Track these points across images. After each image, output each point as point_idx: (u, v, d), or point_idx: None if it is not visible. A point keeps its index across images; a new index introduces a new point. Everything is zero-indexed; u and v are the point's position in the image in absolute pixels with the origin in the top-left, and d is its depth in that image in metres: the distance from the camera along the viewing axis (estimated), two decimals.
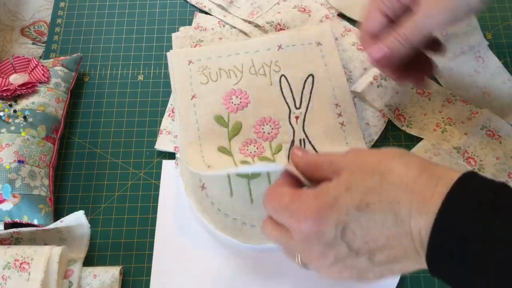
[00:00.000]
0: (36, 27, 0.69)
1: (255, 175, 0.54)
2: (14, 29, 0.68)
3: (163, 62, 0.64)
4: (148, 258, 0.53)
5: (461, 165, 0.54)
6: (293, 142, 0.55)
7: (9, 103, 0.56)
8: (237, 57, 0.60)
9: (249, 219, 0.52)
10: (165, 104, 0.61)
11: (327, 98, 0.57)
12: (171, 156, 0.58)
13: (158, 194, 0.56)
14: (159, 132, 0.59)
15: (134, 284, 0.52)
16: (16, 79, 0.57)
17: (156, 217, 0.55)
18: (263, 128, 0.55)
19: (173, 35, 0.65)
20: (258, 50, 0.60)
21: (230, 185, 0.54)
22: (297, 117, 0.56)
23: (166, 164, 0.57)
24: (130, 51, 0.65)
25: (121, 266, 0.52)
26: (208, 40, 0.63)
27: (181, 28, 0.65)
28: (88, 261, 0.52)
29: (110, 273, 0.50)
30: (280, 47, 0.60)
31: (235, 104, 0.57)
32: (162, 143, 0.58)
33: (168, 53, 0.61)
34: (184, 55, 0.60)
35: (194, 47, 0.63)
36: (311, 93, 0.57)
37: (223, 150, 0.54)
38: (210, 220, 0.52)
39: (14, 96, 0.57)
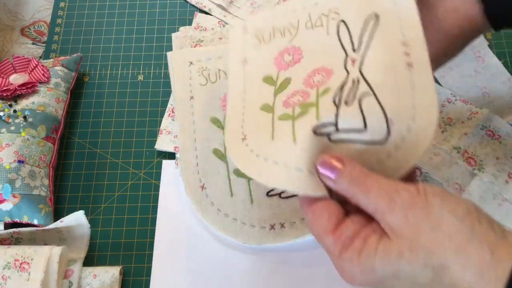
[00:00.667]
0: (36, 27, 0.69)
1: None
2: (14, 29, 0.68)
3: (163, 62, 0.64)
4: (148, 258, 0.53)
5: (461, 165, 0.54)
6: (344, 83, 0.42)
7: (9, 103, 0.56)
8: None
9: (249, 219, 0.52)
10: (165, 104, 0.61)
11: (393, 36, 0.43)
12: (171, 156, 0.58)
13: (158, 194, 0.56)
14: (159, 132, 0.59)
15: (134, 284, 0.52)
16: (16, 79, 0.57)
17: (156, 217, 0.55)
18: (313, 79, 0.45)
19: (173, 35, 0.65)
20: (317, 2, 0.50)
21: (230, 185, 0.54)
22: (353, 60, 0.44)
23: (166, 164, 0.57)
24: (130, 51, 0.65)
25: (121, 266, 0.52)
26: (208, 40, 0.63)
27: (181, 28, 0.65)
28: (88, 261, 0.52)
29: (110, 273, 0.50)
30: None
31: (285, 61, 0.48)
32: (162, 143, 0.58)
33: (168, 54, 0.61)
34: (185, 56, 0.60)
35: (194, 47, 0.63)
36: (374, 33, 0.44)
37: (266, 108, 0.45)
38: (210, 220, 0.52)
39: (14, 96, 0.57)
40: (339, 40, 0.45)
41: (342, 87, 0.42)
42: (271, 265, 0.52)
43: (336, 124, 0.39)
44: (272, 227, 0.51)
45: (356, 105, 0.40)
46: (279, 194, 0.53)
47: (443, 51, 0.44)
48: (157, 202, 0.55)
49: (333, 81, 0.43)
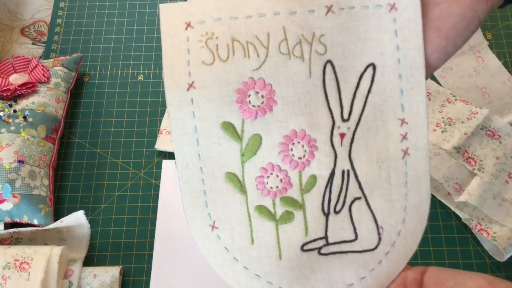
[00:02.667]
0: (36, 27, 0.69)
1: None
2: (14, 29, 0.68)
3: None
4: (148, 258, 0.53)
5: (461, 165, 0.54)
6: (332, 175, 0.36)
7: (9, 103, 0.56)
8: (261, 20, 0.36)
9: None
10: (165, 104, 0.61)
11: (390, 106, 0.36)
12: (171, 156, 0.58)
13: (158, 194, 0.56)
14: (159, 132, 0.59)
15: (134, 284, 0.52)
16: (16, 79, 0.57)
17: (156, 217, 0.55)
18: (292, 149, 0.36)
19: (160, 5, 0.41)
20: (296, 12, 0.36)
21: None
22: (342, 135, 0.36)
23: (166, 164, 0.57)
24: (130, 51, 0.65)
25: (121, 266, 0.52)
26: None
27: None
28: (88, 261, 0.52)
29: (110, 273, 0.50)
30: (329, 9, 0.35)
31: (254, 106, 0.36)
32: (162, 143, 0.58)
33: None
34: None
35: None
36: (367, 96, 0.36)
37: (233, 180, 0.37)
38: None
39: (14, 96, 0.57)
40: (325, 95, 0.36)
41: (329, 182, 0.36)
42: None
43: (326, 238, 0.36)
44: None
45: (346, 213, 0.36)
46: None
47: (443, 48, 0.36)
48: (157, 202, 0.55)
49: (318, 163, 0.36)
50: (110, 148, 0.59)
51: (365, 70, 0.36)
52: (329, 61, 0.36)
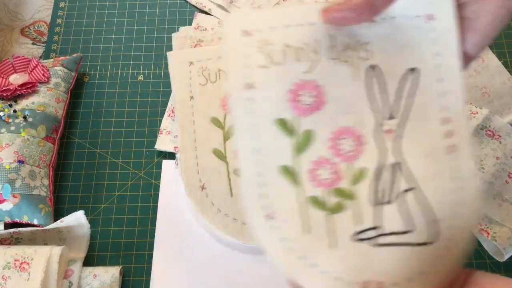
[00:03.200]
0: (36, 27, 0.69)
1: None
2: (14, 29, 0.68)
3: (163, 62, 0.64)
4: (148, 258, 0.53)
5: None
6: (381, 167, 0.38)
7: (9, 103, 0.56)
8: (312, 28, 0.41)
9: None
10: (165, 104, 0.61)
11: (432, 106, 0.39)
12: (171, 156, 0.58)
13: (158, 194, 0.56)
14: (159, 132, 0.59)
15: (134, 284, 0.52)
16: (16, 79, 0.57)
17: (156, 217, 0.55)
18: (341, 144, 0.40)
19: (173, 35, 0.65)
20: None
21: (230, 185, 0.54)
22: (389, 131, 0.39)
23: (166, 164, 0.58)
24: (130, 51, 0.65)
25: (121, 266, 0.52)
26: (208, 40, 0.63)
27: (181, 28, 0.65)
28: (88, 261, 0.52)
29: (110, 273, 0.50)
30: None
31: (305, 105, 0.40)
32: (162, 143, 0.58)
33: (168, 54, 0.61)
34: (185, 57, 0.60)
35: (194, 47, 0.63)
36: (410, 97, 0.40)
37: (288, 174, 0.39)
38: (210, 220, 0.52)
39: (14, 96, 0.57)
40: (371, 96, 0.39)
41: (379, 174, 0.38)
42: (271, 265, 0.52)
43: (380, 228, 0.37)
44: None
45: (400, 204, 0.38)
46: None
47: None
48: (157, 202, 0.55)
49: (367, 157, 0.38)
50: (110, 148, 0.59)
51: (407, 73, 0.39)
52: (373, 66, 0.39)
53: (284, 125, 0.39)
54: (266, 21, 0.40)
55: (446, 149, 0.38)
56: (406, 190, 0.38)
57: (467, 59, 0.38)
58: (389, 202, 0.38)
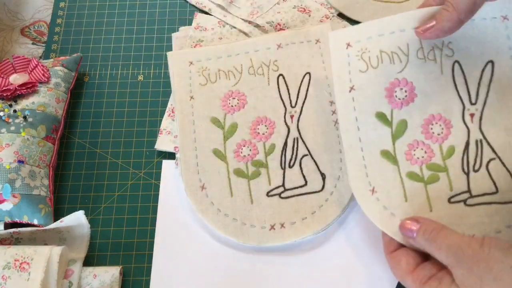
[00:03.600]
0: (36, 27, 0.69)
1: (254, 175, 0.54)
2: (14, 29, 0.68)
3: (163, 62, 0.64)
4: (148, 258, 0.53)
5: None
6: (467, 144, 0.47)
7: (9, 103, 0.56)
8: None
9: (249, 219, 0.52)
10: (165, 104, 0.61)
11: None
12: (171, 156, 0.58)
13: (158, 194, 0.56)
14: (159, 132, 0.59)
15: (134, 284, 0.52)
16: (16, 79, 0.57)
17: (156, 217, 0.55)
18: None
19: (173, 35, 0.65)
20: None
21: (230, 185, 0.54)
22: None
23: (166, 164, 0.57)
24: (130, 51, 0.65)
25: (121, 266, 0.52)
26: (208, 40, 0.63)
27: (181, 28, 0.65)
28: (88, 261, 0.52)
29: (110, 273, 0.50)
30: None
31: (399, 99, 0.49)
32: (162, 143, 0.58)
33: (168, 54, 0.61)
34: (185, 57, 0.60)
35: (194, 47, 0.63)
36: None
37: (387, 156, 0.48)
38: (210, 220, 0.52)
39: (14, 96, 0.57)
40: (455, 86, 0.48)
41: (466, 150, 0.47)
42: (271, 265, 0.52)
43: (469, 191, 0.46)
44: (272, 227, 0.51)
45: (484, 171, 0.46)
46: (279, 194, 0.53)
47: None
48: (157, 202, 0.55)
49: (454, 137, 0.48)
50: (110, 148, 0.59)
51: (485, 65, 0.48)
52: (456, 61, 0.49)
53: (382, 117, 0.49)
54: (363, 33, 0.49)
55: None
56: (489, 161, 0.47)
57: None
58: (476, 171, 0.46)
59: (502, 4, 0.48)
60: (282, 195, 0.53)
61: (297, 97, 0.57)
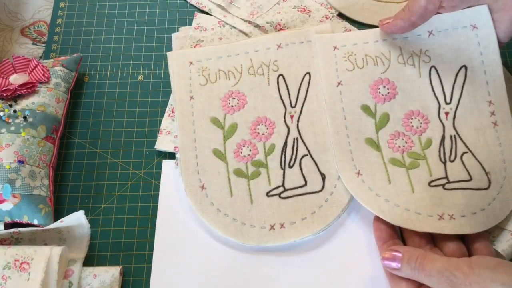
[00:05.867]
0: (36, 27, 0.69)
1: (254, 175, 0.54)
2: (14, 29, 0.68)
3: (163, 62, 0.64)
4: (148, 258, 0.53)
5: None
6: (443, 138, 0.53)
7: (9, 103, 0.56)
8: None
9: (249, 219, 0.52)
10: (165, 104, 0.61)
11: (480, 92, 0.54)
12: (171, 156, 0.58)
13: (158, 194, 0.56)
14: (159, 132, 0.59)
15: (134, 284, 0.52)
16: (16, 79, 0.57)
17: (156, 217, 0.55)
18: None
19: (173, 35, 0.65)
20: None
21: (230, 185, 0.54)
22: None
23: (166, 164, 0.57)
24: (130, 51, 0.65)
25: (121, 266, 0.52)
26: (208, 40, 0.63)
27: (181, 28, 0.65)
28: (88, 261, 0.52)
29: (110, 273, 0.50)
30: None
31: (382, 95, 0.55)
32: (162, 143, 0.58)
33: (168, 54, 0.61)
34: (185, 57, 0.60)
35: (194, 47, 0.63)
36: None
37: (371, 143, 0.54)
38: (210, 220, 0.52)
39: (14, 96, 0.57)
40: (432, 88, 0.55)
41: (442, 142, 0.53)
42: (271, 265, 0.52)
43: (447, 178, 0.51)
44: (272, 227, 0.52)
45: (459, 161, 0.52)
46: (279, 194, 0.53)
47: None
48: (157, 202, 0.55)
49: (431, 131, 0.53)
50: (110, 148, 0.59)
51: (459, 70, 0.55)
52: (433, 66, 0.55)
53: (367, 109, 0.55)
54: (349, 40, 0.57)
55: (492, 124, 0.53)
56: (463, 154, 0.52)
57: (501, 43, 0.54)
58: (452, 161, 0.52)
59: (471, 14, 0.54)
60: (282, 195, 0.53)
61: (297, 97, 0.57)
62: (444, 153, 0.52)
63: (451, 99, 0.54)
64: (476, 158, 0.52)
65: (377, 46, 0.56)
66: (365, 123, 0.54)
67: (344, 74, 0.56)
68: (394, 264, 0.45)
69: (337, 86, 0.55)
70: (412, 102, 0.54)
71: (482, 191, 0.50)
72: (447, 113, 0.54)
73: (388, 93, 0.55)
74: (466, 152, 0.52)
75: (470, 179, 0.51)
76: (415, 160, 0.52)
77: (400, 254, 0.44)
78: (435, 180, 0.51)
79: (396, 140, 0.53)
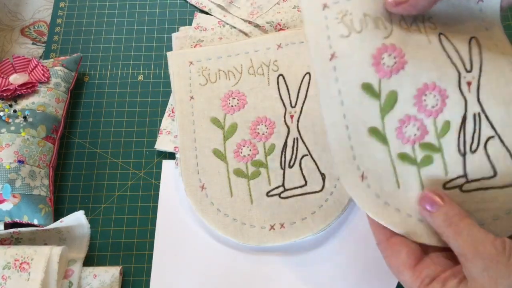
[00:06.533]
0: (36, 27, 0.69)
1: (254, 175, 0.54)
2: (14, 29, 0.68)
3: (163, 62, 0.64)
4: (148, 258, 0.53)
5: None
6: (464, 118, 0.42)
7: (9, 103, 0.56)
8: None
9: (249, 219, 0.52)
10: (165, 104, 0.61)
11: (500, 60, 0.45)
12: (171, 156, 0.58)
13: (158, 194, 0.56)
14: (159, 132, 0.59)
15: (134, 284, 0.52)
16: (16, 79, 0.57)
17: (156, 217, 0.55)
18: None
19: (173, 35, 0.65)
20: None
21: (230, 185, 0.54)
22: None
23: (166, 164, 0.57)
24: (130, 51, 0.65)
25: (121, 266, 0.52)
26: (208, 40, 0.63)
27: (181, 28, 0.65)
28: (88, 261, 0.52)
29: (110, 273, 0.50)
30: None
31: (388, 66, 0.42)
32: (162, 143, 0.58)
33: (168, 54, 0.61)
34: (185, 57, 0.60)
35: (194, 47, 0.63)
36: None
37: (375, 132, 0.42)
38: (210, 220, 0.52)
39: (14, 96, 0.57)
40: (447, 54, 0.43)
41: (462, 125, 0.42)
42: (271, 265, 0.52)
43: (466, 176, 0.41)
44: (272, 227, 0.51)
45: (482, 152, 0.41)
46: (279, 194, 0.53)
47: None
48: (157, 202, 0.55)
49: (450, 110, 0.42)
50: (110, 148, 0.59)
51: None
52: (441, 33, 0.44)
53: (369, 88, 0.42)
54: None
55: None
56: (488, 139, 0.41)
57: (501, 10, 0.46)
58: (473, 151, 0.41)
59: None
60: (282, 195, 0.53)
61: (297, 97, 0.57)
62: (465, 141, 0.42)
63: (471, 66, 0.43)
64: (504, 144, 0.41)
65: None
66: (367, 107, 0.42)
67: (339, 42, 0.43)
68: (431, 208, 0.39)
69: (331, 59, 0.43)
70: (426, 72, 0.42)
71: (509, 188, 0.41)
72: (469, 83, 0.42)
73: (395, 63, 0.42)
74: (492, 137, 0.41)
75: (495, 175, 0.41)
76: (429, 154, 0.42)
77: (440, 201, 0.39)
78: (451, 180, 0.42)
79: (406, 127, 0.42)
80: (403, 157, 0.42)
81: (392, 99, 0.42)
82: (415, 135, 0.42)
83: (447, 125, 0.42)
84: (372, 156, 0.42)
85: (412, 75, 0.42)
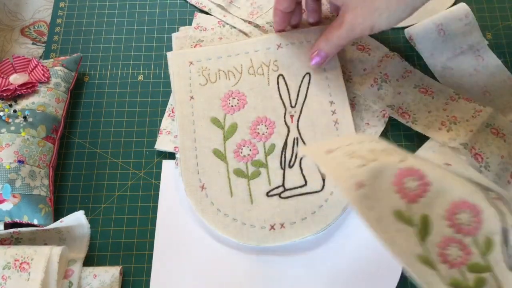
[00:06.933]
0: (36, 27, 0.69)
1: (254, 175, 0.54)
2: (14, 29, 0.68)
3: (163, 62, 0.64)
4: (148, 258, 0.53)
5: (469, 160, 0.54)
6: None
7: (9, 103, 0.56)
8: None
9: (249, 219, 0.52)
10: (165, 104, 0.61)
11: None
12: (171, 156, 0.58)
13: (158, 194, 0.56)
14: (159, 132, 0.59)
15: (134, 284, 0.52)
16: (16, 79, 0.57)
17: (156, 217, 0.55)
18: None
19: (173, 35, 0.65)
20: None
21: (230, 185, 0.54)
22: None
23: (166, 164, 0.57)
24: (130, 51, 0.65)
25: (121, 266, 0.52)
26: (208, 40, 0.63)
27: (181, 28, 0.65)
28: (88, 261, 0.52)
29: (110, 273, 0.50)
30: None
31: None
32: (162, 143, 0.58)
33: (168, 54, 0.61)
34: (185, 57, 0.60)
35: (194, 47, 0.63)
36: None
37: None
38: (210, 220, 0.52)
39: (14, 96, 0.57)
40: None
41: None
42: (271, 265, 0.52)
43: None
44: (272, 227, 0.51)
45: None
46: (279, 194, 0.53)
47: None
48: (157, 202, 0.55)
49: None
50: (110, 148, 0.59)
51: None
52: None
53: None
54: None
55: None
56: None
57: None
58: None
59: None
60: (282, 195, 0.53)
61: (297, 97, 0.57)
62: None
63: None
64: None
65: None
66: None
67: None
68: (317, 57, 0.57)
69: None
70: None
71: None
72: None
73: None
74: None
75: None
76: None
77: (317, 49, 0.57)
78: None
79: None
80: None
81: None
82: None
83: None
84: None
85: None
